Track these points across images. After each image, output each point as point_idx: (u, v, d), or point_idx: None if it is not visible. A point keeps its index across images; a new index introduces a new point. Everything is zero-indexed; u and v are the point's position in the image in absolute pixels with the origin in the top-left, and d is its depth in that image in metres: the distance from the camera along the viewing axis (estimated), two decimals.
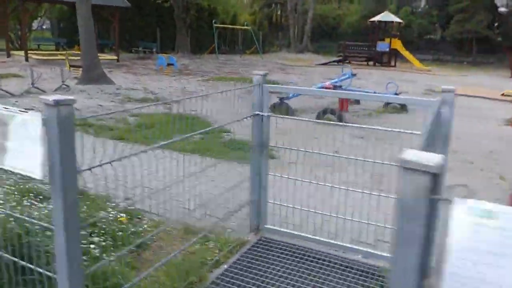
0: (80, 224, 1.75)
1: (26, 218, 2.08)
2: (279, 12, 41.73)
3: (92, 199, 3.57)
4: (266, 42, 35.51)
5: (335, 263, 3.10)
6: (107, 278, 2.39)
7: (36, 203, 3.57)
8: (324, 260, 3.13)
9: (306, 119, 3.28)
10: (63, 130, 1.60)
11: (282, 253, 3.20)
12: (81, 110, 8.53)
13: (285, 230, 3.43)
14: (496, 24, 32.07)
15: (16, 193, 3.65)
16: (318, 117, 9.04)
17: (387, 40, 27.14)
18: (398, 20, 27.79)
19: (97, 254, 2.68)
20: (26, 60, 17.80)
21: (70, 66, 13.45)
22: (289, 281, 2.83)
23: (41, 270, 1.91)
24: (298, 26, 36.89)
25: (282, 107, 9.51)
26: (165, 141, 2.35)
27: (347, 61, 27.92)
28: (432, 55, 33.75)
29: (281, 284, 2.79)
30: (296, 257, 3.16)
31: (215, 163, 2.83)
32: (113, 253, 2.86)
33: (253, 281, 2.79)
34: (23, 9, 19.60)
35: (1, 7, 20.28)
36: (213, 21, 27.39)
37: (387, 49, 27.09)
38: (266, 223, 3.47)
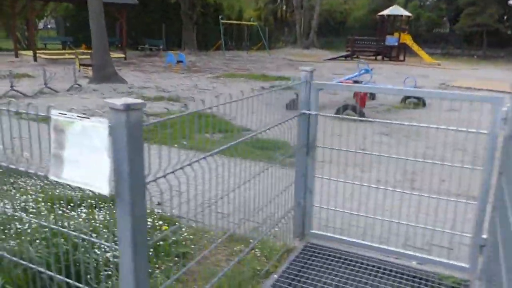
0: (148, 241, 1.57)
1: (74, 233, 1.90)
2: (284, 8, 41.40)
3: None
4: (272, 38, 35.25)
5: (390, 271, 2.90)
6: None
7: (68, 211, 3.40)
8: (377, 268, 2.94)
9: (355, 117, 3.08)
10: (132, 138, 1.41)
11: (332, 260, 3.02)
12: (93, 110, 8.37)
13: (332, 235, 3.24)
14: (506, 17, 31.65)
15: (46, 200, 3.48)
16: (337, 113, 8.83)
17: (396, 34, 26.82)
18: (407, 13, 27.43)
19: None
20: (35, 60, 17.66)
21: (80, 65, 13.29)
22: None
23: None
24: (305, 21, 36.58)
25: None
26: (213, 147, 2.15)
27: (355, 56, 27.63)
28: (441, 49, 33.40)
29: None
30: (349, 264, 2.97)
31: (265, 167, 2.64)
32: (156, 266, 2.69)
33: None
34: (31, 8, 19.43)
35: (8, 7, 20.14)
36: (220, 17, 27.14)
37: (396, 43, 26.77)
38: (311, 228, 3.28)
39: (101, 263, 2.19)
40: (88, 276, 2.02)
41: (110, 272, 2.37)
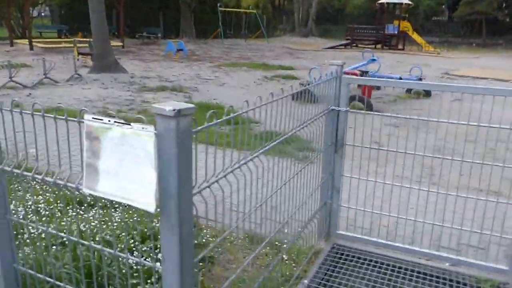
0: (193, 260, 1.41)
1: (108, 250, 1.75)
2: None
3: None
4: (270, 27, 34.85)
5: (424, 274, 2.78)
6: None
7: (82, 212, 3.24)
8: (410, 271, 2.81)
9: (389, 114, 2.92)
10: (182, 148, 1.25)
11: (363, 263, 2.89)
12: (95, 101, 8.16)
13: (360, 236, 3.10)
14: (504, 5, 31.41)
15: (57, 200, 3.32)
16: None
17: (396, 22, 26.56)
18: (407, 1, 27.13)
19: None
20: (31, 48, 17.31)
21: (78, 53, 13.01)
22: None
23: None
24: (303, 9, 36.15)
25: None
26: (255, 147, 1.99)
27: (355, 45, 27.40)
28: (440, 37, 33.15)
29: None
30: (380, 268, 2.84)
31: (301, 166, 2.48)
32: None
33: None
34: None
35: None
36: (218, 5, 26.74)
37: (396, 32, 26.52)
38: (337, 229, 3.14)
39: (127, 272, 2.04)
40: None
41: (137, 281, 2.23)
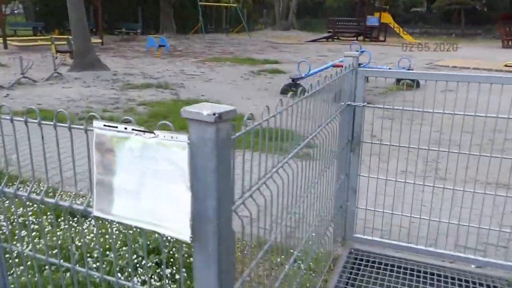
0: None
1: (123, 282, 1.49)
2: None
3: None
4: (251, 20, 34.49)
5: (452, 278, 2.59)
6: None
7: (75, 224, 2.95)
8: (437, 275, 2.62)
9: (409, 108, 2.71)
10: (222, 159, 1.00)
11: (385, 268, 2.69)
12: (78, 101, 7.79)
13: (378, 239, 2.91)
14: None
15: (45, 211, 3.03)
16: (335, 98, 8.48)
17: (377, 14, 26.55)
18: None
19: None
20: (5, 47, 16.63)
21: (57, 51, 12.49)
22: None
23: None
24: (283, 2, 35.92)
25: (295, 89, 8.92)
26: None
27: (336, 37, 27.31)
28: (420, 28, 33.37)
29: None
30: (403, 273, 2.64)
31: (327, 165, 2.26)
32: None
33: None
34: None
35: None
36: None
37: (377, 24, 26.52)
38: (354, 232, 2.94)
39: None
40: None
41: None
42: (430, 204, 2.82)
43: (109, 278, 1.39)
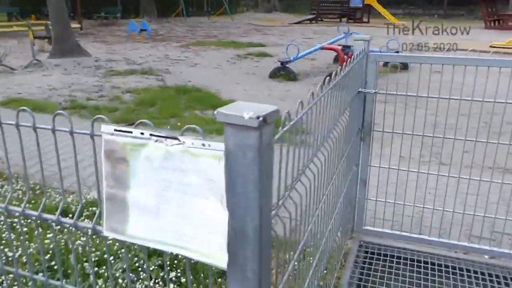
0: None
1: None
2: None
3: None
4: (232, 3, 33.86)
5: (468, 270, 2.50)
6: None
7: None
8: (452, 268, 2.53)
9: (425, 95, 2.55)
10: (264, 169, 0.83)
11: (398, 262, 2.58)
12: (60, 89, 7.46)
13: (388, 231, 2.79)
14: None
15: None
16: (325, 81, 8.33)
17: None
18: None
19: None
20: None
21: (35, 37, 11.97)
22: None
23: None
24: None
25: (284, 72, 8.73)
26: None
27: (320, 19, 27.04)
28: (403, 9, 33.25)
29: None
30: (417, 266, 2.53)
31: (343, 157, 2.11)
32: None
33: None
34: None
35: None
36: None
37: (361, 5, 26.31)
38: (363, 224, 2.82)
39: None
40: None
41: None
42: (435, 192, 2.69)
43: None
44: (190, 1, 28.69)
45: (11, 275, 2.04)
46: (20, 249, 2.35)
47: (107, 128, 0.95)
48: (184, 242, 0.91)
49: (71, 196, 3.18)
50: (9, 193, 1.30)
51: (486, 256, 2.64)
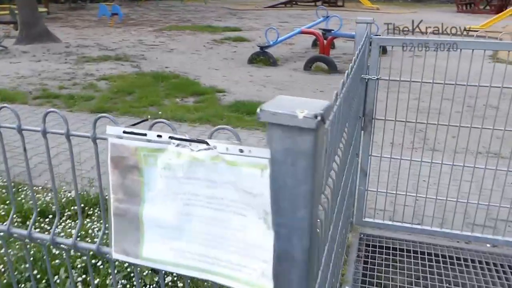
0: None
1: None
2: None
3: None
4: None
5: (472, 261, 2.43)
6: None
7: (47, 227, 2.54)
8: (456, 258, 2.46)
9: (437, 81, 2.42)
10: (317, 178, 0.68)
11: (401, 254, 2.50)
12: (29, 77, 7.07)
13: (389, 222, 2.70)
14: None
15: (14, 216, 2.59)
16: (306, 67, 8.20)
17: None
18: None
19: None
20: None
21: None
22: None
23: None
24: None
25: (264, 57, 8.53)
26: None
27: (294, 2, 26.78)
28: None
29: None
30: (420, 258, 2.45)
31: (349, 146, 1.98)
32: None
33: None
34: None
35: None
36: None
37: None
38: (363, 216, 2.71)
39: None
40: None
41: None
42: (429, 179, 2.59)
43: None
44: None
45: None
46: None
47: (114, 130, 0.77)
48: (216, 267, 0.75)
49: (49, 194, 2.95)
50: None
51: (488, 245, 2.59)
